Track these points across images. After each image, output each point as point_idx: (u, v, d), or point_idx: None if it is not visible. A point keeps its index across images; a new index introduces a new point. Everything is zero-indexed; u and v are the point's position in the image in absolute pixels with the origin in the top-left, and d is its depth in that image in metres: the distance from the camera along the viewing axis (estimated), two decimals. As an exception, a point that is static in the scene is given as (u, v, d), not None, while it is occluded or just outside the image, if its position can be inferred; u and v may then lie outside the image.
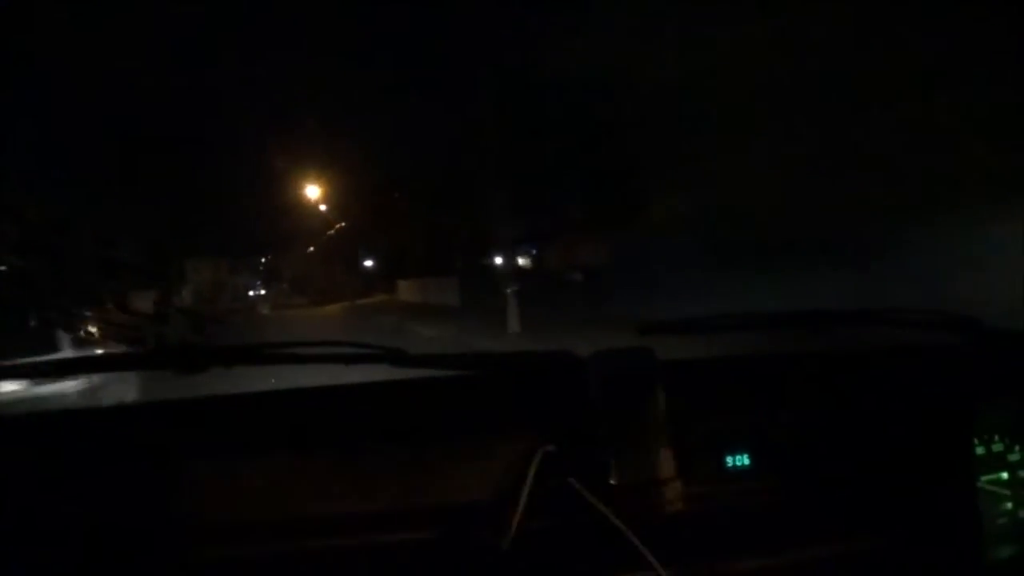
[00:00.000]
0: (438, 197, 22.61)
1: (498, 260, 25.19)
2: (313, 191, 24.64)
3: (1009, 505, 1.03)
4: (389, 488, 0.96)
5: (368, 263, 31.04)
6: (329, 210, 28.12)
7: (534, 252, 24.00)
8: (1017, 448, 1.05)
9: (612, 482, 0.93)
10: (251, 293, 37.39)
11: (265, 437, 1.00)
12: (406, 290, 25.65)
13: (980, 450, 1.03)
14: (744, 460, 1.01)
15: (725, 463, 1.01)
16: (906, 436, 1.04)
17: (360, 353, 1.06)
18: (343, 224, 28.22)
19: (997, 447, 1.04)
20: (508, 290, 8.74)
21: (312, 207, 26.94)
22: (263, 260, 38.66)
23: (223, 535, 0.93)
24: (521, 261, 25.73)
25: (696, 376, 1.16)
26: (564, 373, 1.05)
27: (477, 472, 0.97)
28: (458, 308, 17.77)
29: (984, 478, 1.02)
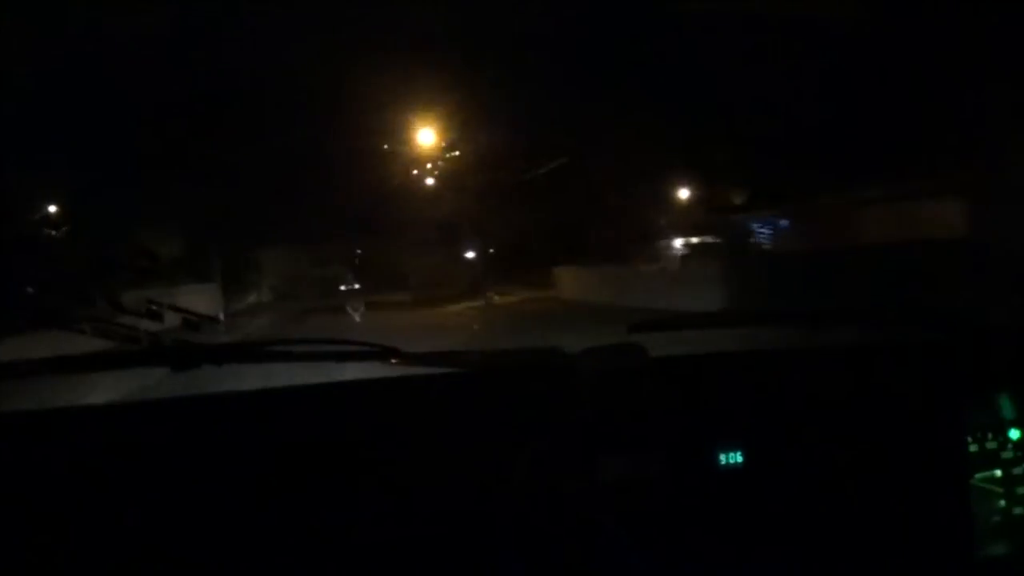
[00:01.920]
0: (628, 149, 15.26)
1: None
2: (428, 136, 17.09)
3: (1003, 503, 1.05)
4: (378, 485, 0.96)
5: (470, 253, 23.60)
6: (441, 182, 20.79)
7: (782, 223, 16.25)
8: (1010, 446, 1.06)
9: (602, 480, 0.93)
10: (342, 288, 31.06)
11: (255, 435, 1.00)
12: (573, 283, 17.93)
13: (974, 447, 1.05)
14: (737, 458, 1.00)
15: (717, 460, 1.00)
16: (900, 433, 1.04)
17: (352, 351, 1.07)
18: (463, 190, 20.71)
19: (991, 444, 1.06)
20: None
21: (420, 175, 19.77)
22: (358, 251, 31.95)
23: (207, 533, 0.92)
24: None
25: (687, 373, 1.15)
26: (554, 370, 1.05)
27: (467, 469, 0.97)
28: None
29: (978, 476, 1.04)
